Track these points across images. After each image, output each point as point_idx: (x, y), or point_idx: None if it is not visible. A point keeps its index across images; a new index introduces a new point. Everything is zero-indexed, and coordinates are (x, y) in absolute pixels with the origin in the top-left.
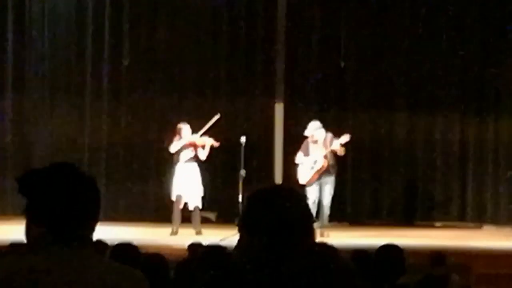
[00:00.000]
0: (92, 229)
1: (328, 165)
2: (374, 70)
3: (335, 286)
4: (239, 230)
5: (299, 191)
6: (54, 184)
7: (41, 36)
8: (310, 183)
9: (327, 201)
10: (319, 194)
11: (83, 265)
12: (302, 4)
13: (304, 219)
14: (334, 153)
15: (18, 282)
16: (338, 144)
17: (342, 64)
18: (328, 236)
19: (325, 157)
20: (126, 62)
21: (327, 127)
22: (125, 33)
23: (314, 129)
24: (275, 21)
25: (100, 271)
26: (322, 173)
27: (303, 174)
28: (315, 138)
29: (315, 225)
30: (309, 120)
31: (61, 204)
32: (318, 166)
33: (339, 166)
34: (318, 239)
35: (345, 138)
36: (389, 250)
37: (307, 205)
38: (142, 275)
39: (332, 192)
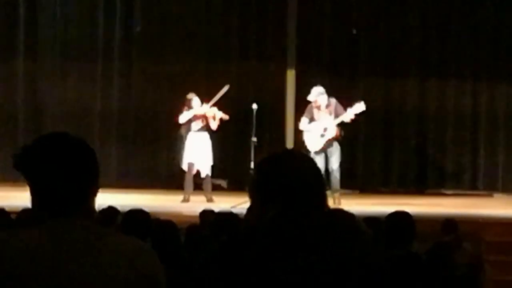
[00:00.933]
0: (93, 196)
1: (340, 134)
2: (386, 37)
3: (354, 251)
4: (250, 196)
5: (307, 155)
6: (45, 157)
7: (52, 1)
8: (320, 151)
9: (335, 166)
10: (325, 162)
11: (84, 239)
12: None
13: (317, 183)
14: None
15: (17, 259)
16: (352, 114)
17: (354, 31)
18: (339, 203)
19: (338, 125)
20: (137, 28)
21: (338, 93)
22: None
23: (317, 94)
24: None
25: (103, 244)
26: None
27: (313, 142)
28: (318, 103)
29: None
30: (321, 86)
31: (55, 176)
32: (330, 135)
33: (350, 133)
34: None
35: (360, 107)
36: (399, 216)
37: (319, 170)
38: (149, 248)
39: (339, 157)
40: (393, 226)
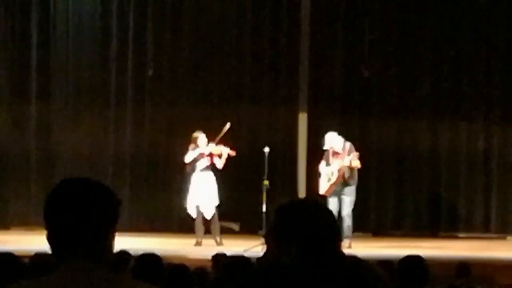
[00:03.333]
0: (112, 239)
1: (344, 178)
2: (398, 79)
3: None
4: (267, 241)
5: (322, 202)
6: (68, 202)
7: (65, 45)
8: (329, 194)
9: (346, 212)
10: (339, 205)
11: (97, 285)
12: (326, 13)
13: (332, 231)
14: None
15: None
16: (348, 161)
17: (366, 73)
18: (350, 247)
19: (339, 170)
20: (150, 72)
21: (350, 136)
22: (149, 43)
23: (330, 141)
24: (299, 30)
25: None
26: (341, 185)
27: (322, 185)
28: (334, 149)
29: None
30: (333, 129)
31: (76, 220)
32: (333, 179)
33: (363, 175)
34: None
35: (355, 160)
36: (412, 260)
37: (334, 219)
38: None
39: (352, 203)
40: (406, 270)
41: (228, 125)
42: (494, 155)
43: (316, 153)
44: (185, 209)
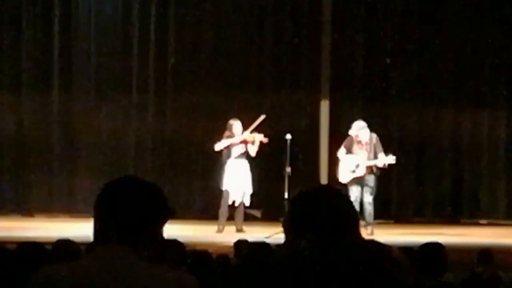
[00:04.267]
0: (158, 235)
1: (371, 171)
2: (419, 66)
3: (388, 282)
4: (285, 230)
5: (343, 192)
6: (122, 197)
7: (87, 33)
8: (351, 184)
9: (367, 199)
10: (361, 193)
11: (134, 272)
12: (348, 0)
13: (350, 218)
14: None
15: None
16: (382, 163)
17: (388, 60)
18: (372, 233)
19: (367, 168)
20: (172, 60)
21: (372, 123)
22: (171, 31)
23: (358, 129)
24: (321, 18)
25: (152, 278)
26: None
27: (343, 174)
28: (359, 138)
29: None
30: (354, 116)
31: (129, 215)
32: (358, 174)
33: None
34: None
35: (391, 160)
36: (432, 247)
37: (352, 206)
38: (194, 280)
39: (374, 191)
40: (425, 256)
41: (262, 117)
42: None
43: (338, 139)
44: (208, 195)
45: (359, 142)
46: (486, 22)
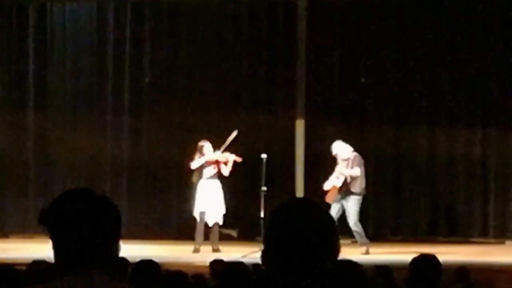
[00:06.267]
0: (114, 252)
1: (347, 183)
2: (395, 85)
3: None
4: (263, 243)
5: (321, 204)
6: (72, 213)
7: (62, 53)
8: (332, 201)
9: (352, 222)
10: (342, 212)
11: None
12: (323, 19)
13: (327, 232)
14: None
15: None
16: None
17: (363, 80)
18: (367, 253)
19: (344, 180)
20: (147, 79)
21: (348, 142)
22: (146, 50)
23: (335, 149)
24: (296, 37)
25: None
26: (345, 192)
27: (330, 179)
28: (342, 157)
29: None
30: (330, 135)
31: (81, 231)
32: (338, 183)
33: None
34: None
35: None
36: (426, 259)
37: (331, 218)
38: None
39: (357, 213)
40: (419, 269)
41: (235, 133)
42: (492, 161)
43: (313, 159)
44: (184, 216)
45: (343, 160)
46: (462, 41)
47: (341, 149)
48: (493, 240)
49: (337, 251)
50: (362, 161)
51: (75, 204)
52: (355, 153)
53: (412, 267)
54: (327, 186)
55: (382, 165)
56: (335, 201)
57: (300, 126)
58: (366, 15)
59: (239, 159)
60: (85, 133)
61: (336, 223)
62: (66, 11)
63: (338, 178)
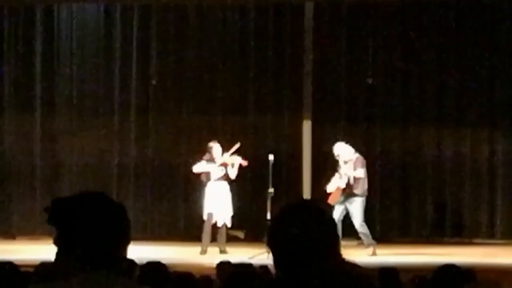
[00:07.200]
0: (123, 255)
1: (349, 185)
2: (402, 86)
3: None
4: (268, 245)
5: (324, 207)
6: (83, 214)
7: (69, 55)
8: (334, 202)
9: (357, 224)
10: (346, 214)
11: None
12: (329, 21)
13: (328, 235)
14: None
15: None
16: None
17: (370, 81)
18: (374, 254)
19: (347, 181)
20: (154, 81)
21: (355, 144)
22: (153, 52)
23: (336, 150)
24: (303, 39)
25: None
26: (347, 195)
27: (333, 181)
28: (343, 159)
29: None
30: (337, 137)
31: (90, 234)
32: (341, 184)
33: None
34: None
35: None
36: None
37: (333, 222)
38: None
39: (361, 215)
40: (441, 280)
41: (238, 145)
42: (499, 161)
43: (321, 160)
44: (191, 217)
45: (345, 162)
46: (468, 42)
47: (343, 151)
48: (500, 242)
49: (336, 252)
50: (364, 162)
51: (90, 206)
52: (357, 155)
53: (434, 276)
54: (330, 188)
55: (388, 166)
56: (338, 202)
57: (307, 127)
58: (373, 17)
59: (245, 163)
60: (92, 135)
61: (338, 226)
62: (73, 14)
63: (341, 179)
